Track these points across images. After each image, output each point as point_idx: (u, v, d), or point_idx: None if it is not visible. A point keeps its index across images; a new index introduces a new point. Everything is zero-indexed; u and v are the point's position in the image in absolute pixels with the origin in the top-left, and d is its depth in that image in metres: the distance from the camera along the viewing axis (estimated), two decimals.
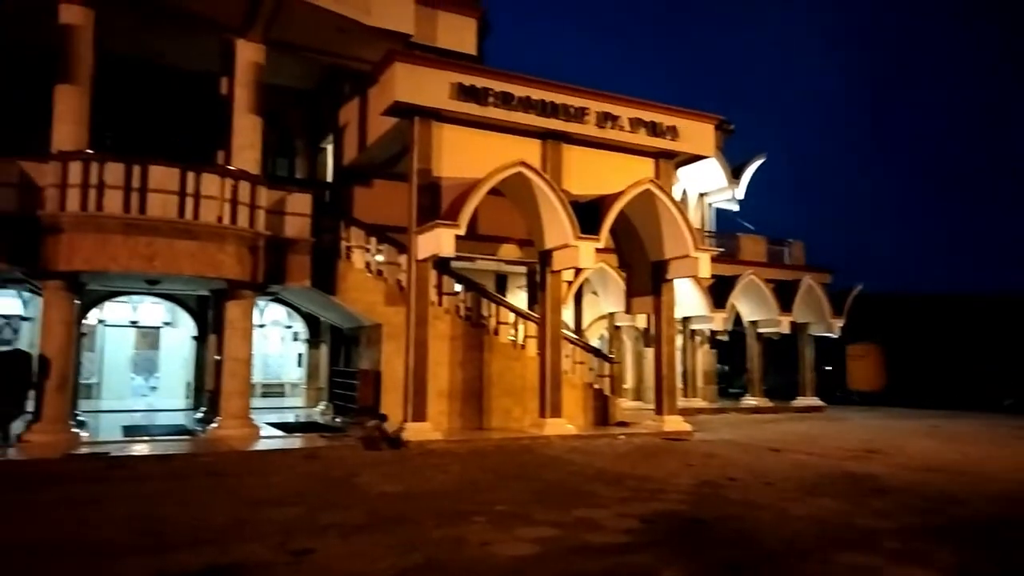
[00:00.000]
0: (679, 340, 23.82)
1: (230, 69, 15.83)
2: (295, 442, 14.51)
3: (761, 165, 29.58)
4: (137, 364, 22.14)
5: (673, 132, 17.62)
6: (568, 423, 16.22)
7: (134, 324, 21.68)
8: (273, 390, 23.10)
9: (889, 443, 15.86)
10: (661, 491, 9.98)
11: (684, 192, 27.93)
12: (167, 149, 16.14)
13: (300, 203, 15.54)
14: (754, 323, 26.90)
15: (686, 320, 25.36)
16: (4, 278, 14.81)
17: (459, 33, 17.65)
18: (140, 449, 13.08)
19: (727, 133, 26.44)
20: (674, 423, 17.30)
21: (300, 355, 23.14)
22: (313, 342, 22.48)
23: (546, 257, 16.32)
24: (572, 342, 18.71)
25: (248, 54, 15.54)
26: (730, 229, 29.43)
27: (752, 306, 26.61)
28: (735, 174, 28.62)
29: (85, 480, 10.21)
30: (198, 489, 9.85)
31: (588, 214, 15.71)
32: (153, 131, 18.30)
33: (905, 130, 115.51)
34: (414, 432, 14.46)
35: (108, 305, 19.88)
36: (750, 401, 26.49)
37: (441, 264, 16.29)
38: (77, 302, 14.01)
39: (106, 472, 10.91)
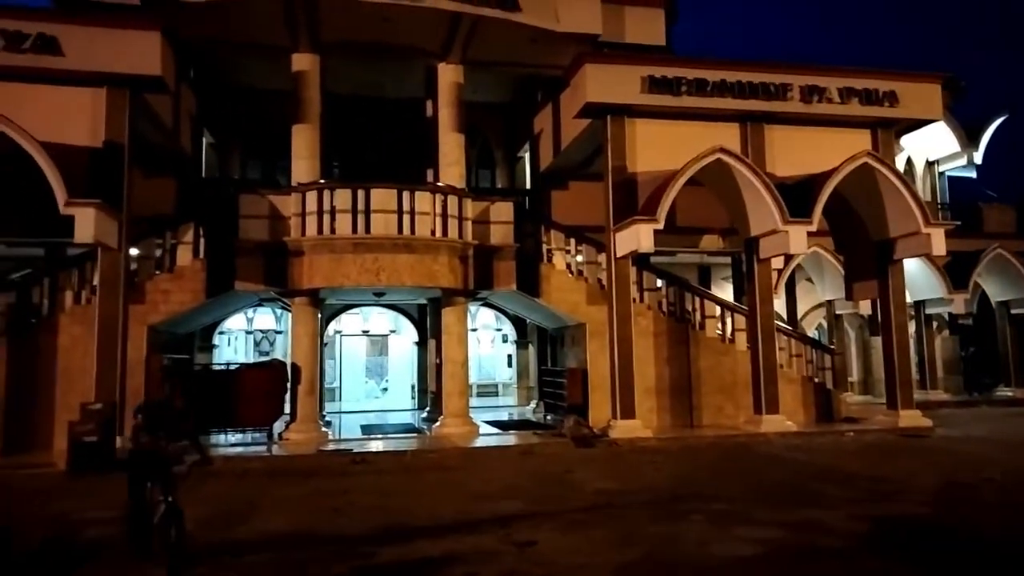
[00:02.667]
0: (912, 326, 21.51)
1: (433, 92, 17.04)
2: (510, 439, 15.20)
3: (1003, 124, 25.82)
4: (369, 369, 24.44)
5: (891, 98, 16.02)
6: (787, 420, 15.34)
7: (365, 333, 23.97)
8: (487, 390, 24.32)
9: None
10: (898, 492, 9.13)
11: (909, 161, 25.23)
12: (384, 171, 17.73)
13: (503, 211, 16.27)
14: (1005, 303, 23.55)
15: (919, 304, 22.87)
16: (261, 297, 17.12)
17: (647, 25, 17.45)
18: (376, 446, 14.44)
19: (958, 92, 23.41)
20: (911, 418, 15.69)
21: (510, 356, 24.14)
22: (521, 343, 23.37)
23: (752, 245, 15.59)
24: (786, 333, 17.67)
25: (449, 76, 16.61)
26: (968, 198, 26.02)
27: (1001, 284, 23.32)
28: (971, 137, 25.28)
29: (334, 474, 11.51)
30: (428, 483, 10.70)
31: (797, 196, 14.78)
32: (371, 156, 20.14)
33: None
34: (623, 429, 14.52)
35: (343, 317, 22.23)
36: (1005, 392, 23.20)
37: (641, 260, 16.20)
38: (319, 315, 15.83)
39: (351, 466, 12.24)
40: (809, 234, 14.70)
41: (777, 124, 15.86)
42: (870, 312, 21.68)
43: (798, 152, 15.80)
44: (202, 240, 14.91)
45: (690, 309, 16.90)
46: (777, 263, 17.21)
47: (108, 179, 13.01)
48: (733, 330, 16.91)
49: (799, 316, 22.85)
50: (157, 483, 6.28)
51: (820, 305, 23.40)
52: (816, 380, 17.26)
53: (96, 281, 13.49)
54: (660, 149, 15.14)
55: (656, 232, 14.05)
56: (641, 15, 17.52)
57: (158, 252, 14.84)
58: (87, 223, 11.98)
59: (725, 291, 21.16)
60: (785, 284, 21.09)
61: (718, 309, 17.18)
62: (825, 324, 23.65)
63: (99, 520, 8.11)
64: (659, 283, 16.98)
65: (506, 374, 24.45)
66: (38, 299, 14.13)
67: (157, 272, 14.69)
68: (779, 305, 20.52)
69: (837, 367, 18.11)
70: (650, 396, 15.88)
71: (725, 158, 14.50)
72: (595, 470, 11.40)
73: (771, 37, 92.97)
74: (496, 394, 24.41)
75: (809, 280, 22.81)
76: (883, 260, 16.26)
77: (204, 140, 19.15)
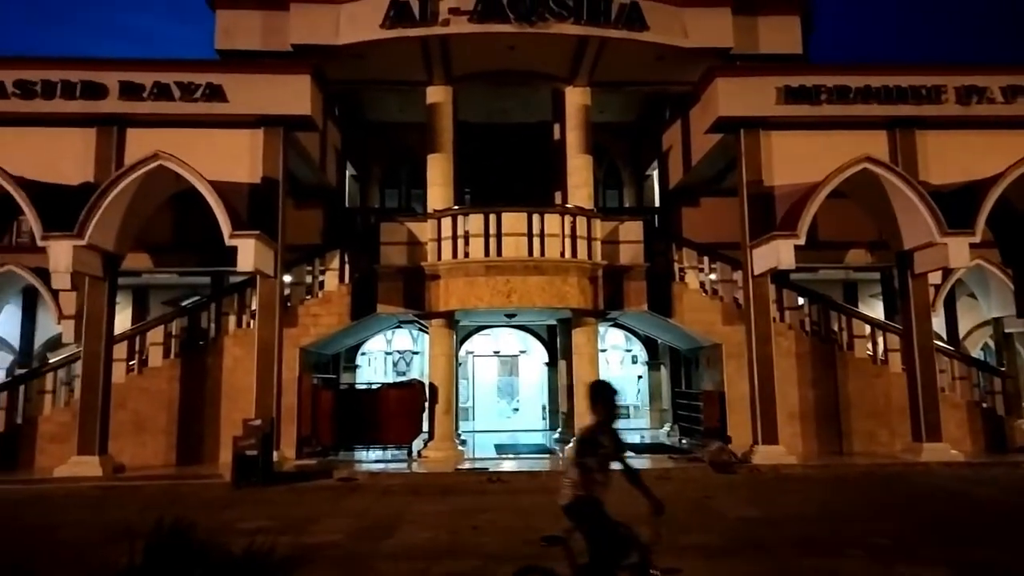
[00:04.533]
0: None
1: (560, 115, 17.26)
2: (645, 463, 14.87)
3: None
4: (500, 389, 24.83)
5: None
6: (951, 448, 14.06)
7: (496, 353, 24.41)
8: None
9: None
10: None
11: None
12: (512, 195, 18.11)
13: (632, 231, 16.15)
14: None
15: None
16: (400, 319, 17.91)
17: (782, 34, 16.79)
18: (510, 466, 14.58)
19: None
20: None
21: (640, 377, 23.74)
22: (652, 364, 22.91)
23: (905, 259, 14.53)
24: (947, 354, 16.26)
25: (576, 98, 16.78)
26: None
27: None
28: None
29: (472, 492, 11.75)
30: None
31: (956, 205, 13.65)
32: (500, 181, 20.61)
33: None
34: (765, 455, 13.87)
35: (475, 338, 22.77)
36: None
37: (780, 277, 15.51)
38: (454, 337, 16.32)
39: (487, 485, 12.45)
40: (971, 246, 13.53)
41: (930, 129, 14.77)
42: None
43: (955, 157, 14.61)
44: (347, 266, 15.86)
45: (836, 328, 15.95)
46: (934, 278, 15.92)
47: (265, 212, 14.10)
48: (885, 351, 15.77)
49: (961, 335, 20.96)
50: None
51: (986, 323, 21.33)
52: (984, 405, 15.73)
53: (255, 306, 14.62)
54: (798, 161, 14.49)
55: (796, 248, 13.44)
56: (775, 24, 16.87)
57: (308, 278, 15.92)
58: (248, 253, 13.02)
59: (874, 309, 19.79)
60: (944, 301, 19.42)
61: (867, 328, 16.08)
62: (992, 344, 21.52)
63: (265, 529, 8.71)
64: (800, 301, 16.16)
65: (637, 396, 24.04)
66: (205, 323, 15.55)
67: (307, 297, 15.75)
68: (937, 324, 18.91)
69: (1009, 391, 16.40)
70: (794, 421, 15.08)
71: (872, 167, 13.66)
72: (737, 497, 10.94)
73: (915, 39, 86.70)
74: (627, 416, 24.02)
75: (972, 296, 20.88)
76: None
77: (347, 172, 20.39)
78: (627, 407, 24.18)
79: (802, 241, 13.42)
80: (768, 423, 14.11)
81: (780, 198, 14.51)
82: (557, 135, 17.71)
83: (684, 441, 18.03)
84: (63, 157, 13.85)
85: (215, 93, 14.00)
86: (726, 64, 15.53)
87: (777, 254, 13.50)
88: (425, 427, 15.64)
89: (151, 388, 14.87)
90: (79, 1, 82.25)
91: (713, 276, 16.44)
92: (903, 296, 14.87)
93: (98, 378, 13.47)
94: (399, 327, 20.89)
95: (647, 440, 19.45)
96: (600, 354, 18.24)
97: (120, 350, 14.78)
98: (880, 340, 15.94)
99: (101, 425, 13.37)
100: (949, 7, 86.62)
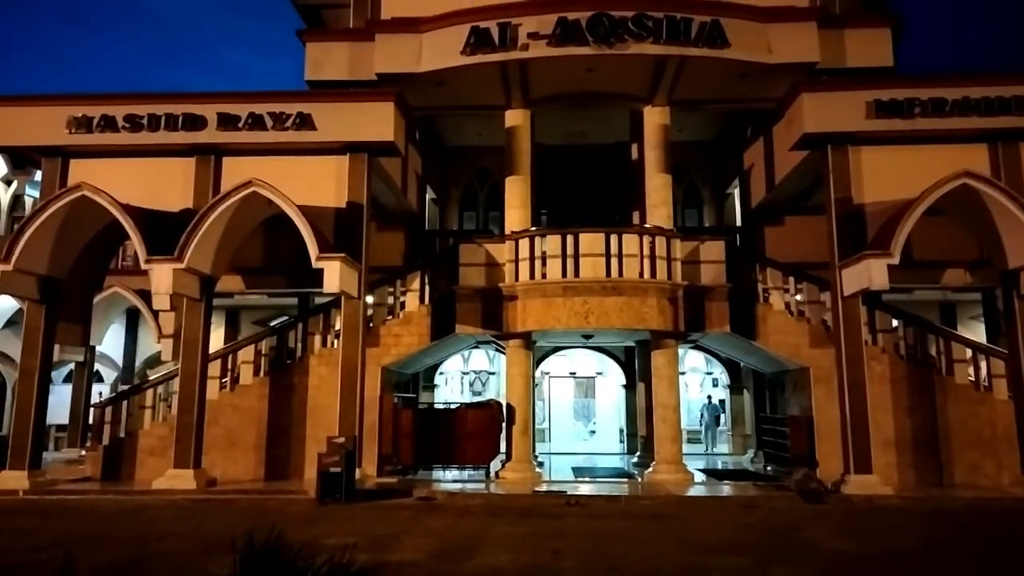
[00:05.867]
0: None
1: (639, 135, 17.14)
2: (728, 489, 14.43)
3: None
4: (576, 411, 24.63)
5: None
6: None
7: (572, 375, 24.27)
8: (698, 436, 23.34)
9: None
10: None
11: None
12: (589, 216, 18.06)
13: (713, 250, 15.83)
14: None
15: None
16: (478, 340, 18.08)
17: (871, 47, 16.16)
18: (588, 489, 14.36)
19: None
20: None
21: (722, 401, 23.08)
22: (735, 388, 22.27)
23: (1011, 279, 13.66)
24: None
25: (655, 118, 16.65)
26: None
27: None
28: None
29: (550, 515, 11.64)
30: (645, 530, 10.45)
31: None
32: (576, 201, 20.60)
33: None
34: (857, 485, 13.22)
35: (551, 359, 22.71)
36: None
37: (871, 298, 14.85)
38: (532, 357, 16.33)
39: (565, 508, 12.32)
40: None
41: None
42: None
43: None
44: (427, 287, 16.15)
45: (934, 352, 15.12)
46: None
47: (350, 235, 14.54)
48: (989, 376, 14.83)
49: None
50: None
51: None
52: None
53: (339, 326, 15.02)
54: (890, 177, 13.94)
55: (889, 267, 12.85)
56: (864, 37, 16.22)
57: (390, 299, 16.28)
58: (334, 275, 13.42)
59: (975, 332, 18.68)
60: None
61: (969, 352, 15.17)
62: None
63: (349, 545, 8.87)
64: (895, 323, 15.41)
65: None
66: (293, 343, 16.10)
67: (389, 317, 16.09)
68: None
69: None
70: (888, 449, 14.34)
71: (972, 182, 12.96)
72: (829, 528, 10.45)
73: (1014, 45, 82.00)
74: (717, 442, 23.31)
75: None
76: None
77: (427, 196, 20.83)
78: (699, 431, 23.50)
79: (896, 260, 12.82)
80: (861, 451, 13.46)
81: (871, 216, 13.96)
82: (635, 155, 17.60)
83: (769, 468, 17.39)
84: (165, 185, 14.72)
85: (305, 122, 14.59)
86: (812, 79, 15.11)
87: (869, 274, 12.95)
88: (502, 447, 15.66)
89: (242, 405, 15.47)
90: (181, 41, 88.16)
91: (799, 297, 15.89)
92: (1008, 318, 13.98)
93: (194, 395, 14.11)
94: (476, 347, 21.07)
95: (729, 466, 18.87)
96: (679, 377, 17.89)
97: (214, 368, 15.44)
98: (983, 365, 15.01)
99: (196, 440, 13.98)
100: None
